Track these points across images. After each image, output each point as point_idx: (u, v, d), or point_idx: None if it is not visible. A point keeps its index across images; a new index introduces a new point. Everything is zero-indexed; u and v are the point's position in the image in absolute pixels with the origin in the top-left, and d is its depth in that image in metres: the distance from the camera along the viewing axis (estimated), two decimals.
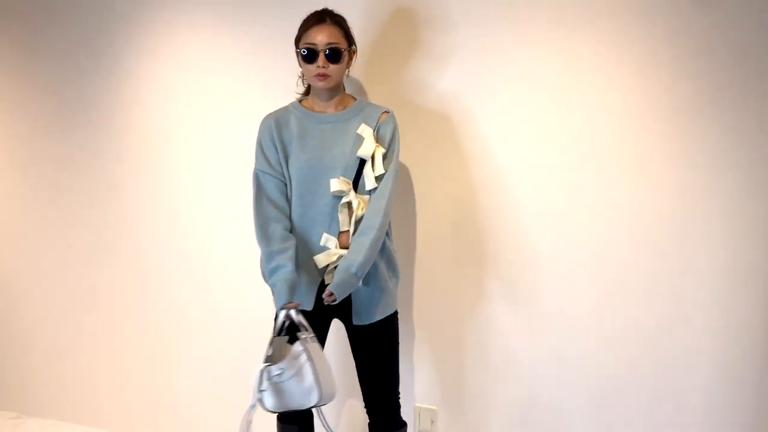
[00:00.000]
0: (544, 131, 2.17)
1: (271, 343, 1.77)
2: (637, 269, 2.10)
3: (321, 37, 1.85)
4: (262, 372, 1.73)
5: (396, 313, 2.03)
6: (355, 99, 2.03)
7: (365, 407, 2.07)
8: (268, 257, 1.86)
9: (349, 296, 1.91)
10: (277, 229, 1.89)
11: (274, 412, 1.82)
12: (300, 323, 1.77)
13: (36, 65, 2.95)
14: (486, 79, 2.22)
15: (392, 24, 2.32)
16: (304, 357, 1.73)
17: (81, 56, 2.84)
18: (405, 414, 2.43)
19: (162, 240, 2.81)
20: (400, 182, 2.34)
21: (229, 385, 2.74)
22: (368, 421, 2.09)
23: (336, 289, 1.76)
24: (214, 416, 2.78)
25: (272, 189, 1.94)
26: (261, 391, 1.74)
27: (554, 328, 2.22)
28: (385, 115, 1.99)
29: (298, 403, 1.76)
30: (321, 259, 1.90)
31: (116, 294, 2.94)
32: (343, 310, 1.96)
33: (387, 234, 1.97)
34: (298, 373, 1.73)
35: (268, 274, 1.85)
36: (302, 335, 1.76)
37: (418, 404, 2.44)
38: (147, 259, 2.85)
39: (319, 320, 1.94)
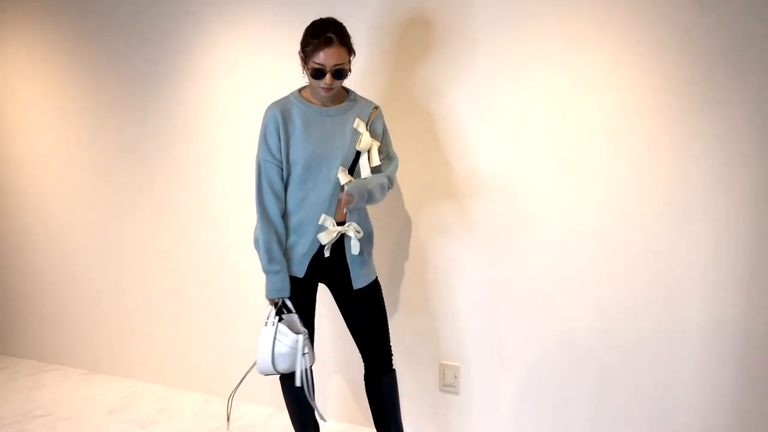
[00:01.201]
0: (550, 134, 2.38)
1: (283, 321, 2.17)
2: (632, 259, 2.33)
3: (329, 60, 2.02)
4: (305, 339, 2.15)
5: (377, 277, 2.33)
6: (347, 91, 2.25)
7: (364, 359, 2.34)
8: (267, 247, 2.14)
9: (345, 265, 2.23)
10: (275, 216, 2.16)
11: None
12: (291, 308, 2.19)
13: (106, 60, 3.29)
14: (494, 81, 2.43)
15: (405, 28, 2.55)
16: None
17: (148, 49, 3.16)
18: (431, 370, 2.72)
19: (205, 209, 3.11)
20: (412, 168, 2.62)
21: None
22: (364, 372, 2.37)
23: (354, 191, 2.11)
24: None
25: (273, 175, 2.15)
26: (305, 354, 2.15)
27: (561, 296, 2.44)
28: (375, 111, 2.26)
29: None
30: (324, 237, 2.16)
31: (176, 262, 3.26)
32: (330, 277, 2.27)
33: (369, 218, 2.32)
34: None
35: (267, 263, 2.14)
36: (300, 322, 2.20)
37: (442, 361, 2.69)
38: (195, 228, 3.16)
39: (308, 285, 2.25)
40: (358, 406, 2.88)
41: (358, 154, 2.20)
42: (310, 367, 2.21)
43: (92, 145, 3.38)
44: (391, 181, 2.30)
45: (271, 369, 2.17)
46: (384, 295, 2.70)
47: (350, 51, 2.11)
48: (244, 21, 2.88)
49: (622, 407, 2.40)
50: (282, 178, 2.18)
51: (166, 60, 3.11)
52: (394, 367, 2.37)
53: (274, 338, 2.14)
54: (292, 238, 2.20)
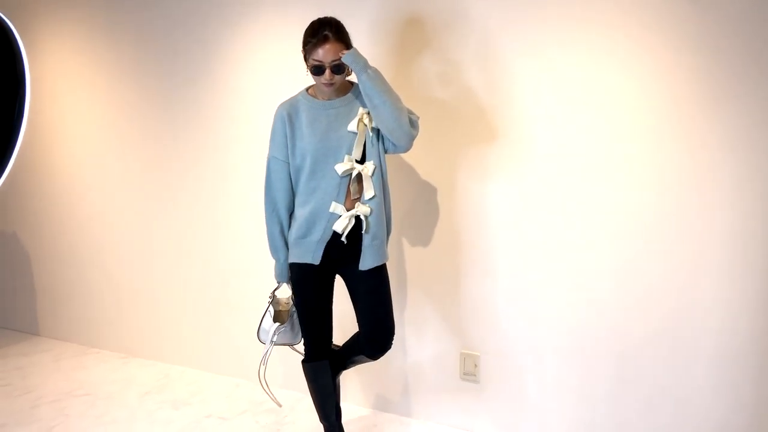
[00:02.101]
0: (562, 126, 2.41)
1: (275, 303, 2.46)
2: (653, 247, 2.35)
3: (327, 56, 2.13)
4: (278, 328, 2.44)
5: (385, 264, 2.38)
6: (351, 83, 2.33)
7: (366, 339, 2.40)
8: (272, 238, 2.36)
9: (359, 249, 2.29)
10: (282, 210, 2.33)
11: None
12: (291, 294, 2.43)
13: (141, 50, 3.44)
14: (505, 76, 2.47)
15: (408, 21, 2.60)
16: (294, 314, 2.46)
17: (180, 40, 3.30)
18: (452, 359, 2.78)
19: (241, 197, 3.22)
20: (426, 157, 2.68)
21: None
22: (360, 338, 2.44)
23: (353, 50, 2.16)
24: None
25: (280, 171, 2.31)
26: (273, 340, 2.44)
27: (581, 289, 2.46)
28: None
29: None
30: (338, 226, 2.24)
31: (208, 254, 3.38)
32: (343, 261, 2.33)
33: (386, 202, 2.35)
34: (292, 325, 2.48)
35: (271, 250, 2.38)
36: (292, 297, 2.44)
37: (463, 351, 2.74)
38: (231, 217, 3.28)
39: (324, 273, 2.36)
40: (383, 393, 2.96)
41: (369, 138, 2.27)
42: (292, 346, 2.53)
43: (128, 137, 3.54)
44: (413, 120, 2.27)
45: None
46: (407, 285, 2.79)
47: (348, 47, 2.18)
48: (270, 11, 2.99)
49: (642, 400, 2.42)
50: (289, 174, 2.32)
51: (195, 51, 3.24)
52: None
53: (264, 314, 2.46)
54: (305, 228, 2.29)
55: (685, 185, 2.26)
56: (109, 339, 3.81)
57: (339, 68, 2.17)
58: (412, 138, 2.25)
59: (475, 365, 2.72)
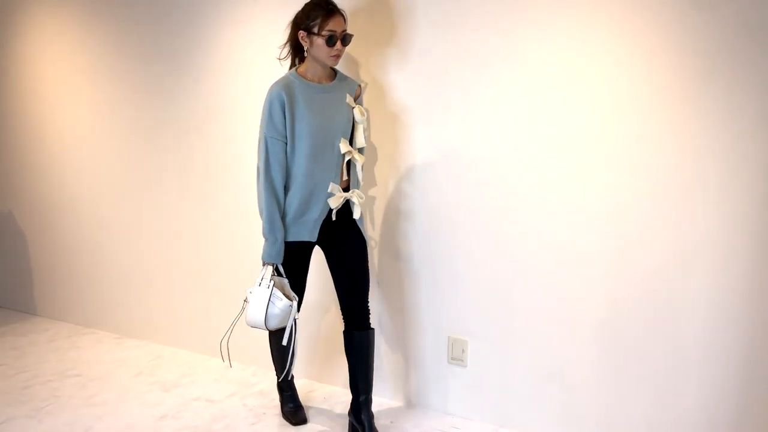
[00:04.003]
0: (552, 107, 2.34)
1: (275, 285, 2.37)
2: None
3: (339, 26, 2.23)
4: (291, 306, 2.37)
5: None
6: (334, 70, 2.40)
7: (344, 314, 2.49)
8: (271, 217, 2.32)
9: (349, 226, 2.46)
10: (279, 189, 2.33)
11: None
12: (282, 273, 2.40)
13: (134, 37, 3.40)
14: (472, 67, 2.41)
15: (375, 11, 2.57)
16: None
17: (171, 26, 3.26)
18: (441, 343, 2.75)
19: (229, 178, 3.19)
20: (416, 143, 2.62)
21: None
22: (343, 329, 2.52)
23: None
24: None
25: (279, 151, 2.31)
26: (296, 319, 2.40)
27: (570, 275, 2.41)
28: (359, 88, 2.52)
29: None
30: (333, 202, 2.38)
31: (201, 236, 3.36)
32: (332, 237, 2.45)
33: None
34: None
35: (269, 232, 2.33)
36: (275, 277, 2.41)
37: (451, 335, 2.71)
38: (220, 198, 3.25)
39: (311, 250, 2.48)
40: None
41: (353, 126, 2.41)
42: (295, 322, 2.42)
43: (121, 118, 3.50)
44: None
45: (261, 326, 2.37)
46: (396, 271, 2.78)
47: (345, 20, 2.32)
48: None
49: (628, 386, 2.37)
50: (285, 153, 2.34)
51: (189, 26, 3.18)
52: (372, 326, 2.52)
53: (269, 300, 2.33)
54: (303, 207, 2.36)
55: (672, 167, 2.19)
56: (104, 319, 3.82)
57: (348, 39, 2.28)
58: None
59: (463, 350, 2.68)
